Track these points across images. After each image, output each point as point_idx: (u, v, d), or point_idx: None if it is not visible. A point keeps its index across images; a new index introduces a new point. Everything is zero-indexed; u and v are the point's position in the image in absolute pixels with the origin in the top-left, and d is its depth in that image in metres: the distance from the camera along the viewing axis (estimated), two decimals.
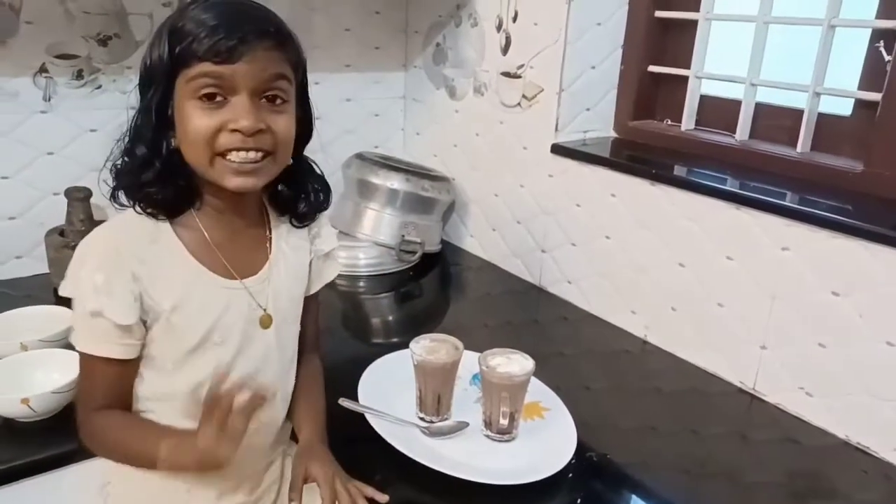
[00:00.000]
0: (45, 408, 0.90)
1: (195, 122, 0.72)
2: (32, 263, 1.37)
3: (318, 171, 0.88)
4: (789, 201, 1.07)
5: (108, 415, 0.79)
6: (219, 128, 0.72)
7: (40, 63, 1.30)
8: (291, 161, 0.81)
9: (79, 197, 1.29)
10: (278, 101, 0.75)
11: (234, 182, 0.75)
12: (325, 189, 0.89)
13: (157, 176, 0.76)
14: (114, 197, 0.78)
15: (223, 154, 0.73)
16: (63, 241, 1.28)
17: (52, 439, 0.90)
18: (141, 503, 0.85)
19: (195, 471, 0.77)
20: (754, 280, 1.09)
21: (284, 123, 0.76)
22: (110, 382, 0.79)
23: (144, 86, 0.75)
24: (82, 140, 1.37)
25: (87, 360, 0.78)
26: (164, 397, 0.82)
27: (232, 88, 0.71)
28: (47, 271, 1.33)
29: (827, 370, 1.02)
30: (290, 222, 0.88)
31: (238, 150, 0.73)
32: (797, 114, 1.17)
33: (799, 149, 1.16)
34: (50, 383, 0.91)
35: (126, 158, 0.77)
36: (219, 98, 0.72)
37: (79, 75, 1.34)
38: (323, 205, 0.89)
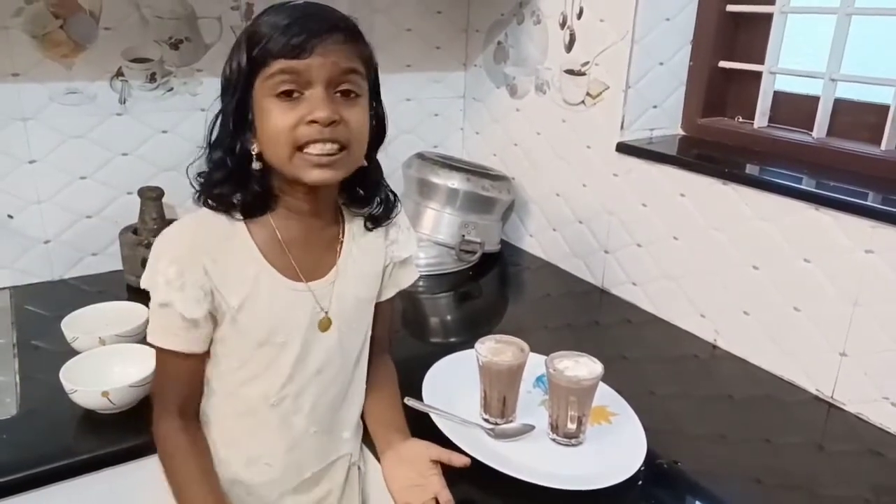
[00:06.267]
0: (124, 401, 0.93)
1: (275, 118, 0.74)
2: (107, 260, 1.42)
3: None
4: (872, 201, 1.02)
5: (181, 438, 0.81)
6: (297, 122, 0.74)
7: (117, 67, 1.34)
8: (366, 162, 0.82)
9: (151, 196, 1.33)
10: (352, 95, 0.76)
11: (313, 175, 0.76)
12: (394, 193, 0.90)
13: (236, 181, 0.78)
14: (199, 200, 0.81)
15: (301, 148, 0.75)
16: (136, 239, 1.33)
17: (128, 432, 0.92)
18: None
19: None
20: (834, 283, 1.04)
21: (358, 116, 0.77)
22: (180, 377, 0.81)
23: (225, 93, 0.78)
24: (155, 141, 1.41)
25: (159, 353, 0.80)
26: (234, 401, 0.83)
27: (307, 82, 0.73)
28: (120, 268, 1.37)
29: None
30: (365, 225, 0.88)
31: (316, 141, 0.74)
32: (881, 109, 1.11)
33: (883, 146, 1.11)
34: (128, 377, 0.94)
35: (211, 165, 0.79)
36: (295, 94, 0.74)
37: (152, 78, 1.38)
38: (394, 208, 0.89)
